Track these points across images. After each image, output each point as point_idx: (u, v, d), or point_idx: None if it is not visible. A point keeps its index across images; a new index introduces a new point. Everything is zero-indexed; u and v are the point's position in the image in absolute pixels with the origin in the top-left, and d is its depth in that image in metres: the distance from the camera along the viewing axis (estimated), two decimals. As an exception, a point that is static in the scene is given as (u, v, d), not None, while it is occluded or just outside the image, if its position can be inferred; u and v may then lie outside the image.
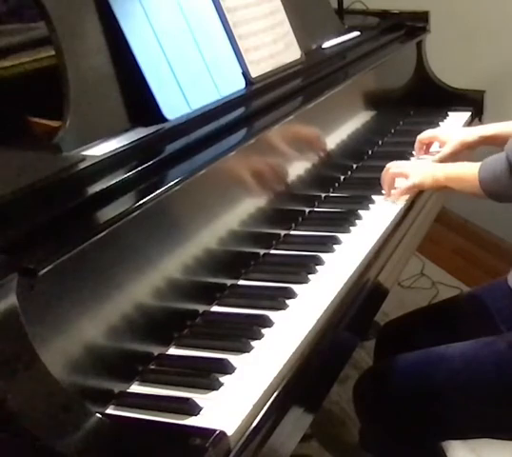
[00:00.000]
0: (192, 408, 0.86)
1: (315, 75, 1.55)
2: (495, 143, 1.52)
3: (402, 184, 1.43)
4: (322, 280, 1.16)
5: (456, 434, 1.32)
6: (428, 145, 1.67)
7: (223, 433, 0.79)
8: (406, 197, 1.44)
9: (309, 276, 1.16)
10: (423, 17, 2.07)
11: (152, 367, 0.97)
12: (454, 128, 1.85)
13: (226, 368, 0.94)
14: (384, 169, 1.46)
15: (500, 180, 1.27)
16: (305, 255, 1.24)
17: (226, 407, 0.87)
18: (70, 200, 0.91)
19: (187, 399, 0.87)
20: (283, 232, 1.33)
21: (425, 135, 1.66)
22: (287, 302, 1.09)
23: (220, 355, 0.97)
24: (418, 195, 1.49)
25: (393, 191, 1.43)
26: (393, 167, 1.46)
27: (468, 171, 1.35)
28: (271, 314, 1.06)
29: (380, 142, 1.82)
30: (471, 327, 1.35)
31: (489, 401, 1.16)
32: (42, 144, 1.03)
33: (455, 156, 1.55)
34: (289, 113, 1.35)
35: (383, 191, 1.47)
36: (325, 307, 1.08)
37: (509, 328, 1.27)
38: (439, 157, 1.56)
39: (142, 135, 1.09)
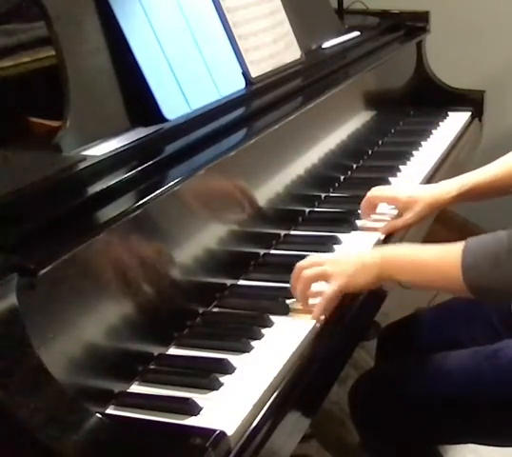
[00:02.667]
0: (192, 408, 0.86)
1: (315, 75, 1.55)
2: (472, 197, 1.31)
3: (321, 288, 1.07)
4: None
5: (455, 441, 1.33)
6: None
7: (223, 433, 0.79)
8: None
9: (309, 276, 1.16)
10: (423, 17, 2.07)
11: (152, 367, 0.97)
12: (413, 184, 1.49)
13: (226, 368, 0.94)
14: (296, 269, 1.09)
15: (502, 268, 0.97)
16: (306, 255, 1.24)
17: (226, 407, 0.87)
18: (70, 200, 0.91)
19: (187, 399, 0.87)
20: (283, 232, 1.33)
21: (381, 194, 1.34)
22: (288, 302, 1.09)
23: (220, 355, 0.97)
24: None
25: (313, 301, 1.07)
26: (306, 266, 1.09)
27: (437, 256, 1.05)
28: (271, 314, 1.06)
29: (380, 142, 1.82)
30: (471, 329, 1.34)
31: (488, 414, 1.15)
32: (42, 144, 1.02)
33: (421, 224, 1.32)
34: (289, 113, 1.35)
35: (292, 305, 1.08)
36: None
37: (508, 330, 1.27)
38: (400, 226, 1.29)
39: (142, 135, 1.09)
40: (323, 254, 1.19)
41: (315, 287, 1.08)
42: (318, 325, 1.05)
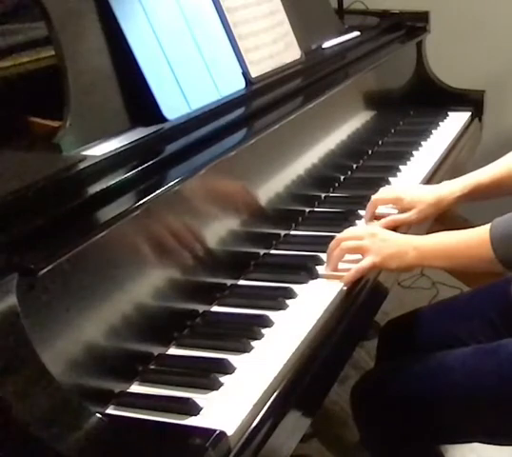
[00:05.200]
0: (192, 408, 0.86)
1: (315, 75, 1.55)
2: (475, 197, 1.32)
3: (356, 259, 1.15)
4: (322, 280, 1.16)
5: (455, 440, 1.33)
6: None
7: (223, 433, 0.79)
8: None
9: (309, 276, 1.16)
10: (423, 17, 2.07)
11: (152, 367, 0.97)
12: (418, 186, 1.51)
13: (226, 368, 0.94)
14: (334, 241, 1.17)
15: None
16: (305, 255, 1.24)
17: (226, 407, 0.87)
18: (70, 200, 0.91)
19: (187, 399, 0.87)
20: (283, 232, 1.33)
21: (385, 196, 1.36)
22: (287, 302, 1.09)
23: (220, 355, 0.97)
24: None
25: (342, 268, 1.15)
26: (346, 237, 1.17)
27: (465, 239, 1.13)
28: (271, 314, 1.06)
29: (380, 142, 1.82)
30: (471, 327, 1.35)
31: (490, 411, 1.15)
32: (42, 144, 1.02)
33: (422, 224, 1.36)
34: (289, 113, 1.35)
35: (323, 270, 1.16)
36: (325, 307, 1.08)
37: (509, 329, 1.27)
38: (400, 222, 1.30)
39: (142, 135, 1.09)
40: (361, 227, 1.26)
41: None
42: (318, 325, 1.05)
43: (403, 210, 1.35)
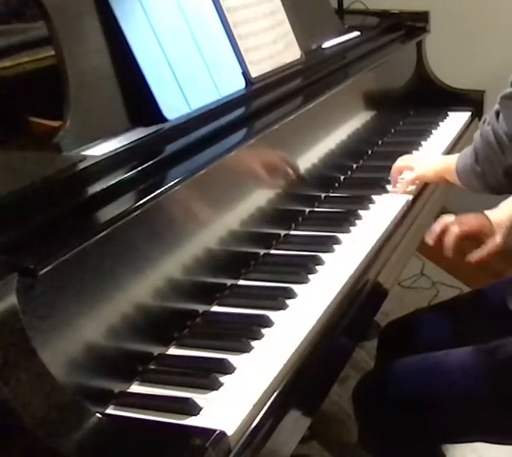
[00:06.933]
0: (192, 408, 0.86)
1: (315, 75, 1.55)
2: None
3: (407, 176, 1.48)
4: (322, 280, 1.16)
5: (455, 439, 1.33)
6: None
7: (223, 433, 0.79)
8: (413, 188, 1.49)
9: (309, 276, 1.16)
10: (423, 17, 2.07)
11: (152, 367, 0.97)
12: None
13: (226, 368, 0.94)
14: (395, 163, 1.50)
15: (485, 161, 1.19)
16: (305, 255, 1.24)
17: (226, 407, 0.87)
18: (70, 200, 0.91)
19: (187, 399, 0.87)
20: (283, 232, 1.33)
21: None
22: (287, 302, 1.09)
23: (220, 355, 0.97)
24: (418, 195, 1.49)
25: (399, 184, 1.48)
26: (400, 160, 1.51)
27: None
28: (271, 314, 1.06)
29: (380, 142, 1.82)
30: (472, 327, 1.35)
31: (490, 411, 1.16)
32: (42, 144, 1.03)
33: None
34: (289, 113, 1.35)
35: (389, 187, 1.51)
36: (325, 308, 1.08)
37: (508, 329, 1.27)
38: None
39: (142, 135, 1.09)
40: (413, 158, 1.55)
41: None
42: (318, 325, 1.05)
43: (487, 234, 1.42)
